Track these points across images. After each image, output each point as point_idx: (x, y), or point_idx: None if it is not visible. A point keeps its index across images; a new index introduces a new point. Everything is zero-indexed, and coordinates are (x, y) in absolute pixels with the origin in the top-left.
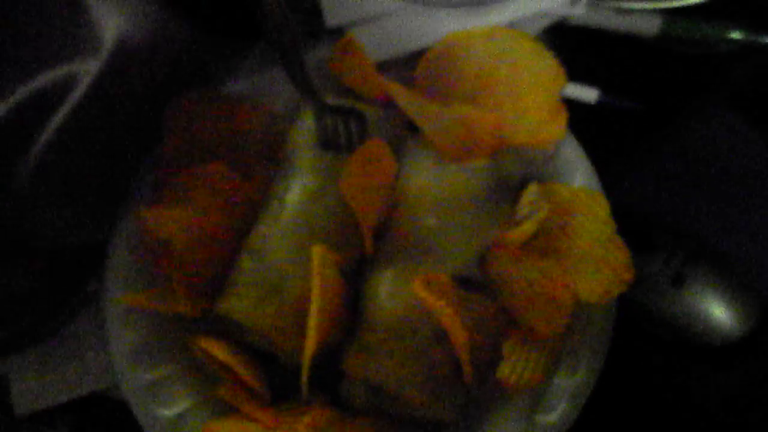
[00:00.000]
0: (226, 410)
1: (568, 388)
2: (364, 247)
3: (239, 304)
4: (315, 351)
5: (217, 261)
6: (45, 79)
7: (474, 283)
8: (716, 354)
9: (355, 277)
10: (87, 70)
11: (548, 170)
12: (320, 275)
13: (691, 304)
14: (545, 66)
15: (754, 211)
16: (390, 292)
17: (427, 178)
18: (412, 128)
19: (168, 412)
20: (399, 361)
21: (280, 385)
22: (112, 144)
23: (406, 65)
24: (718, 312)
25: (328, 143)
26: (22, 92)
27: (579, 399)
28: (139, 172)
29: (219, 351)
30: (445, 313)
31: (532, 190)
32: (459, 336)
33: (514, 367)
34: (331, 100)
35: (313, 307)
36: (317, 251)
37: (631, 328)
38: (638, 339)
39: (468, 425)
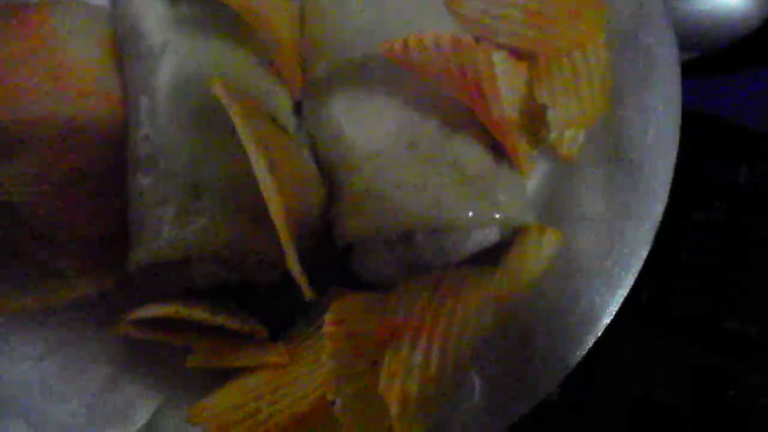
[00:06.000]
0: None
1: None
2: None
3: (169, 233)
4: (293, 225)
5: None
6: None
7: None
8: None
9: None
10: None
11: None
12: (247, 125)
13: None
14: None
15: None
16: (350, 117)
17: None
18: None
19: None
20: (396, 186)
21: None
22: None
23: None
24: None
25: None
26: None
27: None
28: None
29: (164, 307)
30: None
31: None
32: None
33: None
34: None
35: (259, 166)
36: (218, 85)
37: None
38: None
39: None
